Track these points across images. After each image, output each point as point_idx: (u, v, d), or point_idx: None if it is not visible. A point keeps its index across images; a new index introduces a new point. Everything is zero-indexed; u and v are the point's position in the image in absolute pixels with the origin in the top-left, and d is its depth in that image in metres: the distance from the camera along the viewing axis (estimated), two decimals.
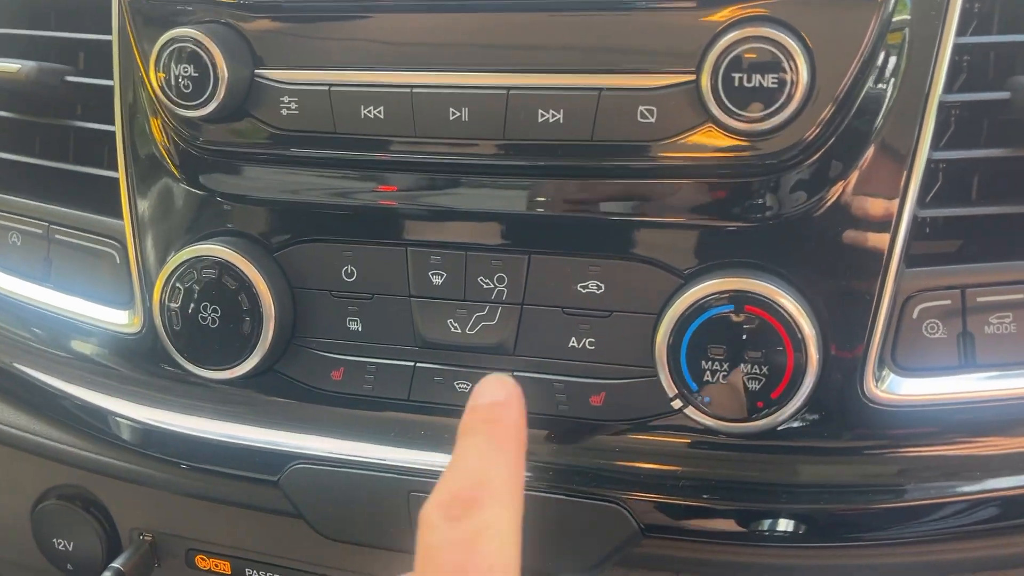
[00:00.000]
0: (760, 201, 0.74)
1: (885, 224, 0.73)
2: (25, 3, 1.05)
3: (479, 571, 0.55)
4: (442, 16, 0.77)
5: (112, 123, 0.94)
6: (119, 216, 0.94)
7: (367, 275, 0.84)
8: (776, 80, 0.68)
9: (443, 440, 0.83)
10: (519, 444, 0.65)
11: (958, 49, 0.72)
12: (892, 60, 0.71)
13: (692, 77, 0.71)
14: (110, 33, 0.92)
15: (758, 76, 0.68)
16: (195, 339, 0.85)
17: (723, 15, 0.70)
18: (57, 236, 1.00)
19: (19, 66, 0.96)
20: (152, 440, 0.94)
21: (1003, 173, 0.75)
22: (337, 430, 0.87)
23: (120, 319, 0.96)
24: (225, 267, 0.83)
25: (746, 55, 0.68)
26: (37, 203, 1.02)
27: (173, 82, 0.81)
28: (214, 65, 0.79)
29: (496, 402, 0.67)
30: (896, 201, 0.72)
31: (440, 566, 0.56)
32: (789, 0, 0.69)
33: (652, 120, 0.72)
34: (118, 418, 0.95)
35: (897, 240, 0.73)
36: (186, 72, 0.80)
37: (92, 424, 0.97)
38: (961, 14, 0.71)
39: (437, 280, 0.83)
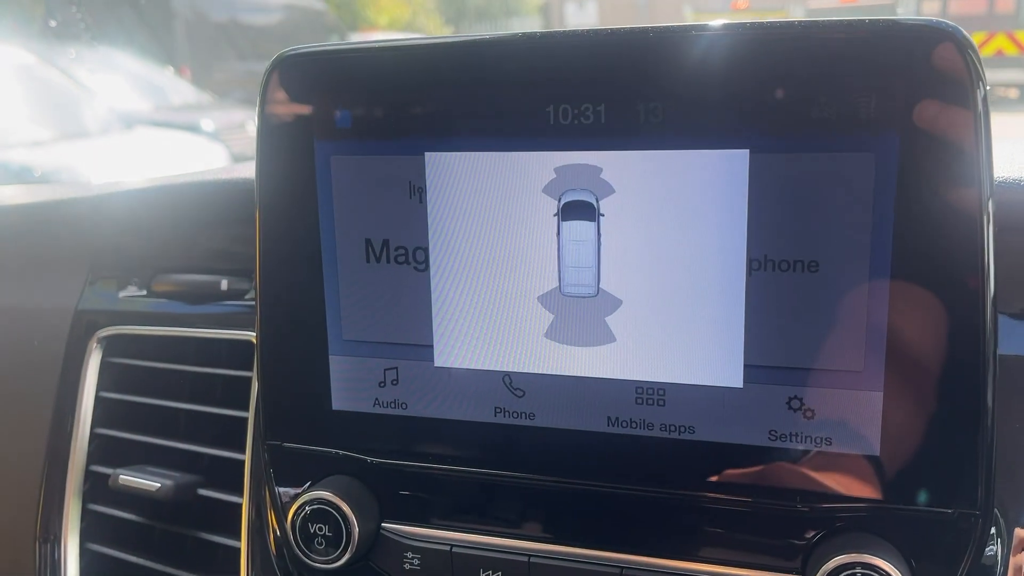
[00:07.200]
0: None
1: None
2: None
3: None
4: (560, 489, 0.83)
5: (238, 538, 1.01)
6: None
7: None
8: None
9: None
10: None
11: None
12: None
13: None
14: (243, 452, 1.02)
15: None
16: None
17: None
18: None
19: (158, 485, 1.05)
20: None
21: None
22: None
23: None
24: None
25: None
26: None
27: (305, 539, 0.87)
28: (347, 524, 0.86)
29: None
30: None
31: None
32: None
33: None
34: None
35: None
36: (320, 531, 0.87)
37: None
38: None
39: None
